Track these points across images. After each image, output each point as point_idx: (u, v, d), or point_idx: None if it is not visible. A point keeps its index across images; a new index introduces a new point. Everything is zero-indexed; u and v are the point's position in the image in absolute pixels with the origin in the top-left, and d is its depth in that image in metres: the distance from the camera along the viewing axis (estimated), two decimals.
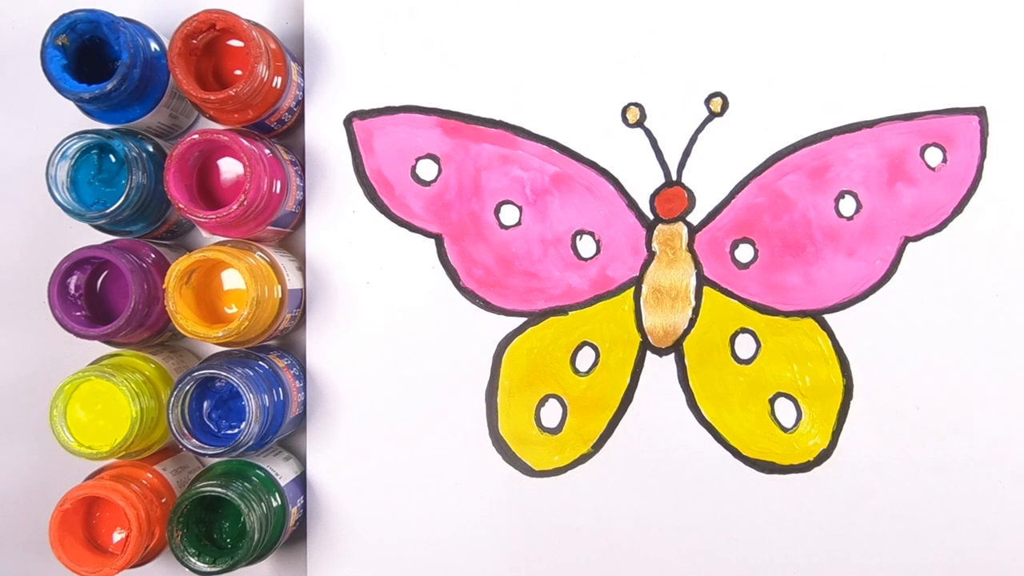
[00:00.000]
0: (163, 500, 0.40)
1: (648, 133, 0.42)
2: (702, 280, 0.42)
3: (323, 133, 0.42)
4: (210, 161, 0.40)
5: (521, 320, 0.42)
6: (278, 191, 0.39)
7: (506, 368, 0.42)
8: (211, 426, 0.39)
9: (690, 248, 0.42)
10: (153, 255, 0.40)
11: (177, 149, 0.37)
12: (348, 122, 0.42)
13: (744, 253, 0.42)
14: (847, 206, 0.42)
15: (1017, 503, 0.41)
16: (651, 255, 0.42)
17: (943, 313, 0.41)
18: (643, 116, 0.42)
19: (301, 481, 0.42)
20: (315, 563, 0.42)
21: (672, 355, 0.42)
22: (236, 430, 0.39)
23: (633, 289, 0.42)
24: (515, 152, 0.42)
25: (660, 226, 0.42)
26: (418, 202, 0.42)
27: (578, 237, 0.42)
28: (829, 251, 0.42)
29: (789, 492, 0.42)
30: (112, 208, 0.37)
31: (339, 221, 0.42)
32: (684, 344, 0.42)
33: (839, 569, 0.42)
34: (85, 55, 0.38)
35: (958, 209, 0.41)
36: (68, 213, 0.38)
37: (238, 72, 0.40)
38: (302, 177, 0.42)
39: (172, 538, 0.38)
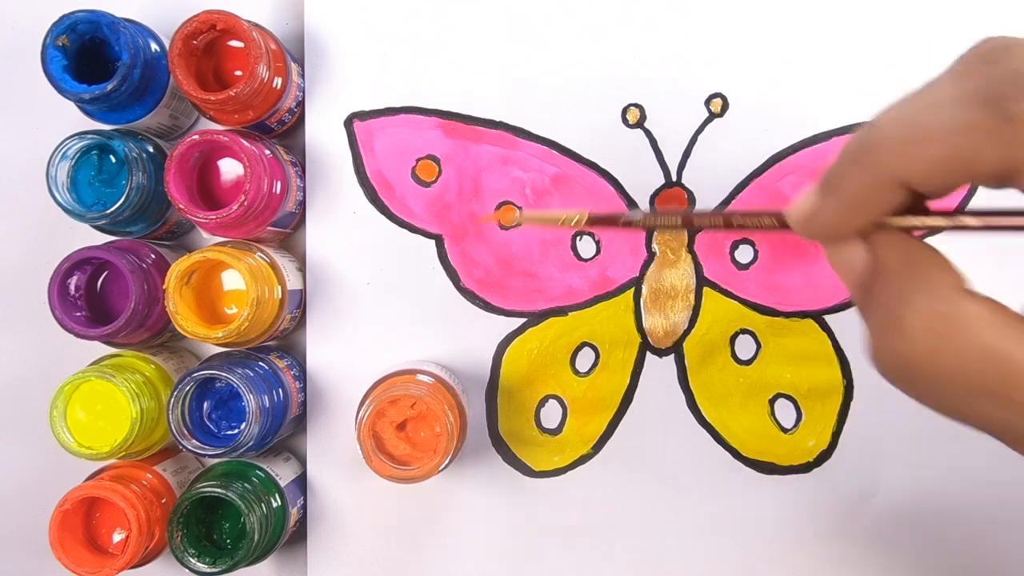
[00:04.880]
0: (163, 500, 0.40)
1: (648, 134, 0.42)
2: (702, 281, 0.42)
3: (323, 134, 0.42)
4: (210, 161, 0.40)
5: (521, 321, 0.42)
6: (278, 191, 0.39)
7: (506, 369, 0.42)
8: (211, 426, 0.39)
9: (690, 249, 0.42)
10: (153, 255, 0.40)
11: (177, 149, 0.37)
12: (348, 123, 0.42)
13: (744, 254, 0.42)
14: None
15: (1017, 503, 0.41)
16: (651, 256, 0.42)
17: None
18: (643, 117, 0.42)
19: (301, 481, 0.42)
20: (315, 563, 0.42)
21: (672, 356, 0.42)
22: (236, 430, 0.39)
23: (633, 290, 0.42)
24: (515, 153, 0.42)
25: None
26: (418, 203, 0.42)
27: (578, 238, 0.42)
28: None
29: (789, 492, 0.42)
30: (112, 208, 0.37)
31: (339, 222, 0.42)
32: (684, 345, 0.42)
33: (839, 569, 0.42)
34: (85, 56, 0.38)
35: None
36: (68, 213, 0.38)
37: (238, 73, 0.40)
38: (302, 178, 0.42)
39: (172, 539, 0.38)
